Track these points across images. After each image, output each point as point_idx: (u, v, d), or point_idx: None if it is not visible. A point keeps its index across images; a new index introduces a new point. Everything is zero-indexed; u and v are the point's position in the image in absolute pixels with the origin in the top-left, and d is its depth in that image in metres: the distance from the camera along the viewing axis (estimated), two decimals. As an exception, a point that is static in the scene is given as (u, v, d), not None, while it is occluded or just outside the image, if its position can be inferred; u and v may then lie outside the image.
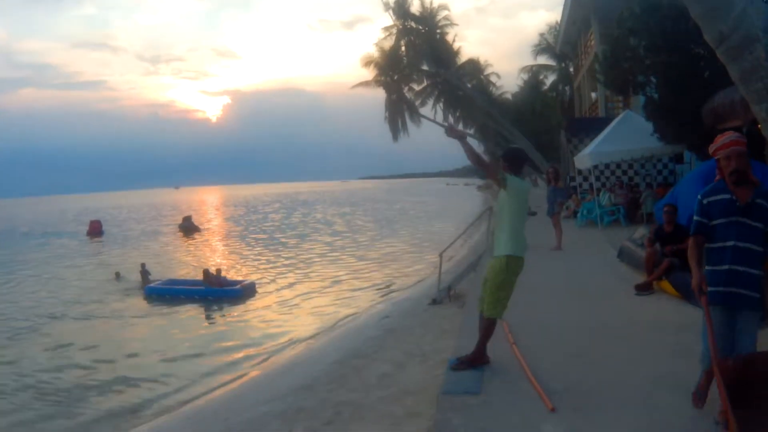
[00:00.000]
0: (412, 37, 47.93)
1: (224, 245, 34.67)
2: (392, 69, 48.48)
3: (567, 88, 51.32)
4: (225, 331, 14.28)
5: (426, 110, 50.99)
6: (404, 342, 8.88)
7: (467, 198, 70.44)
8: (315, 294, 17.66)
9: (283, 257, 26.70)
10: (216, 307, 16.56)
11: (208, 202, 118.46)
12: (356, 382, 7.16)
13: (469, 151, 6.04)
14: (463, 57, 50.77)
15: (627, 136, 18.05)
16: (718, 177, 4.49)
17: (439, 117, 50.90)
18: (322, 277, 20.62)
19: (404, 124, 50.98)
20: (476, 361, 6.16)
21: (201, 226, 44.90)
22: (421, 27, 47.97)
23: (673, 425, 4.50)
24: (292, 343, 12.29)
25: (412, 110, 50.92)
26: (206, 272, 18.34)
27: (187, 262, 26.61)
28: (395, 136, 51.43)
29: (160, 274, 21.15)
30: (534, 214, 15.39)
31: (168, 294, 17.93)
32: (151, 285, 18.77)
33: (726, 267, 4.35)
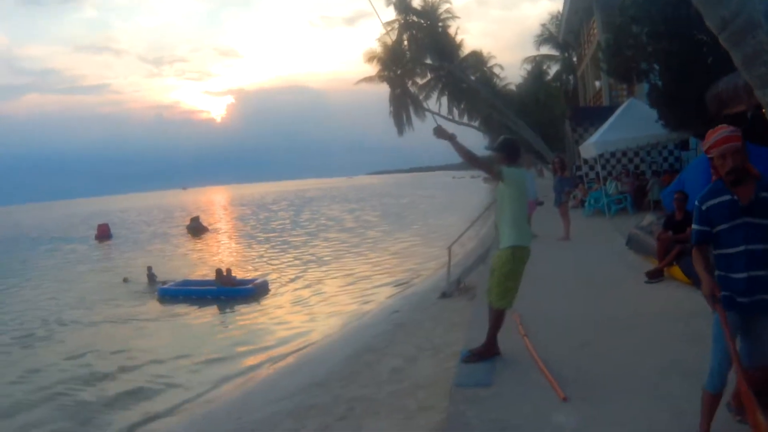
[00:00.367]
0: (414, 31, 47.89)
1: (233, 245, 34.78)
2: (395, 64, 48.45)
3: (571, 77, 51.18)
4: (238, 331, 14.33)
5: (430, 104, 50.99)
6: (415, 336, 8.91)
7: (474, 190, 70.34)
8: (328, 291, 17.74)
9: (293, 255, 26.79)
10: (228, 307, 16.62)
11: (216, 202, 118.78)
12: (368, 377, 7.20)
13: (461, 151, 6.01)
14: (466, 49, 50.71)
15: (632, 124, 17.98)
16: (714, 177, 4.07)
17: (444, 110, 50.94)
18: (334, 274, 20.70)
19: (409, 118, 50.98)
20: (487, 352, 6.16)
21: (209, 227, 45.00)
22: (422, 21, 47.91)
23: (684, 412, 4.50)
24: (305, 341, 12.33)
25: (417, 104, 50.89)
26: (219, 272, 18.39)
27: (196, 263, 26.73)
28: (400, 131, 51.43)
29: (168, 276, 21.26)
30: (541, 203, 15.36)
31: (181, 295, 18.00)
32: (165, 286, 18.86)
33: (743, 275, 3.86)
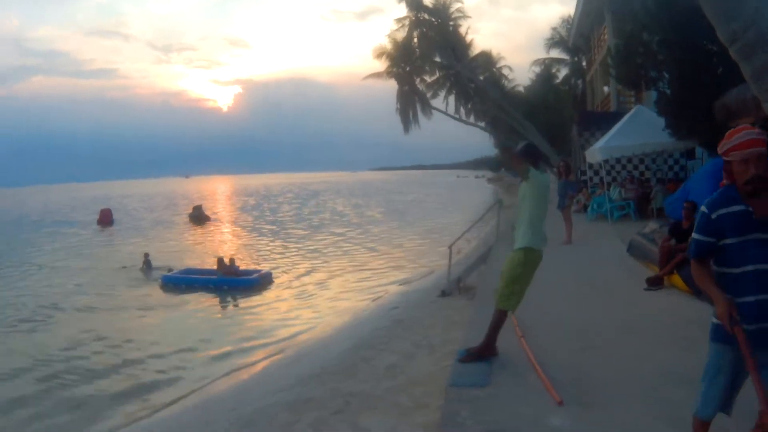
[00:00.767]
0: (424, 29, 47.80)
1: (235, 235, 34.83)
2: (404, 60, 48.38)
3: (579, 81, 51.08)
4: (238, 322, 14.37)
5: (437, 102, 50.89)
6: (413, 333, 8.94)
7: (477, 190, 70.43)
8: (330, 285, 17.80)
9: (297, 248, 26.89)
10: (230, 298, 16.64)
11: (219, 191, 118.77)
12: (365, 372, 7.23)
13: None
14: (476, 49, 50.53)
15: (638, 131, 17.99)
16: (725, 182, 3.55)
17: (451, 109, 50.85)
18: (337, 268, 20.75)
19: (415, 115, 50.87)
20: (485, 352, 6.15)
21: (212, 216, 45.04)
22: (434, 19, 47.82)
23: (680, 419, 4.51)
24: (304, 334, 12.37)
25: (424, 102, 50.82)
26: (221, 261, 18.39)
27: (196, 252, 26.79)
28: (406, 128, 51.33)
29: (168, 263, 21.36)
30: (544, 207, 15.38)
31: (184, 283, 18.03)
32: (168, 274, 18.90)
33: (752, 299, 3.35)
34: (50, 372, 10.87)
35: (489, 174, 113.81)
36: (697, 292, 8.46)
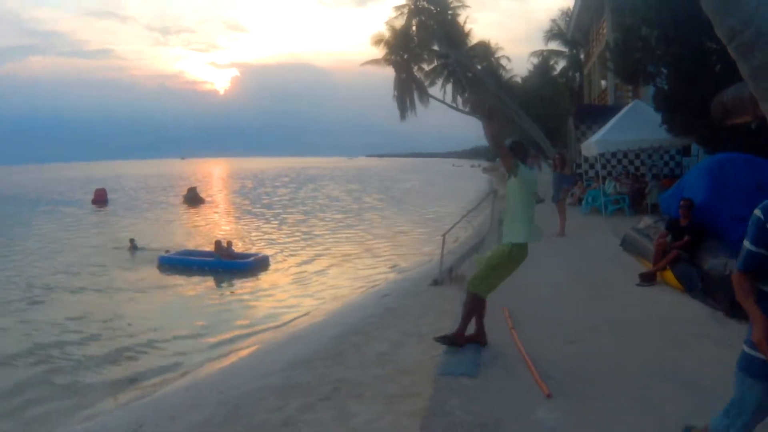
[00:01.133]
0: (423, 17, 47.64)
1: (229, 217, 34.82)
2: (402, 48, 48.25)
3: (577, 74, 50.99)
4: (233, 305, 14.36)
5: (435, 90, 50.81)
6: (403, 321, 8.94)
7: (473, 179, 70.42)
8: (324, 271, 17.80)
9: (291, 232, 26.88)
10: (226, 281, 16.63)
11: (215, 174, 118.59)
12: (354, 359, 7.23)
13: (492, 130, 6.17)
14: (474, 39, 50.43)
15: (635, 125, 17.97)
16: None
17: (448, 98, 50.78)
18: (332, 254, 20.76)
19: (412, 103, 50.78)
20: (458, 338, 6.25)
21: (208, 198, 45.02)
22: (432, 7, 47.66)
23: (667, 416, 4.54)
24: (295, 318, 12.38)
25: (421, 90, 50.72)
26: (218, 243, 18.40)
27: (189, 234, 26.77)
28: (403, 115, 51.23)
29: (158, 245, 21.42)
30: (542, 201, 15.35)
31: (180, 264, 18.04)
32: (166, 255, 18.90)
33: None
34: (40, 352, 10.87)
35: (485, 163, 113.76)
36: (688, 290, 8.49)
